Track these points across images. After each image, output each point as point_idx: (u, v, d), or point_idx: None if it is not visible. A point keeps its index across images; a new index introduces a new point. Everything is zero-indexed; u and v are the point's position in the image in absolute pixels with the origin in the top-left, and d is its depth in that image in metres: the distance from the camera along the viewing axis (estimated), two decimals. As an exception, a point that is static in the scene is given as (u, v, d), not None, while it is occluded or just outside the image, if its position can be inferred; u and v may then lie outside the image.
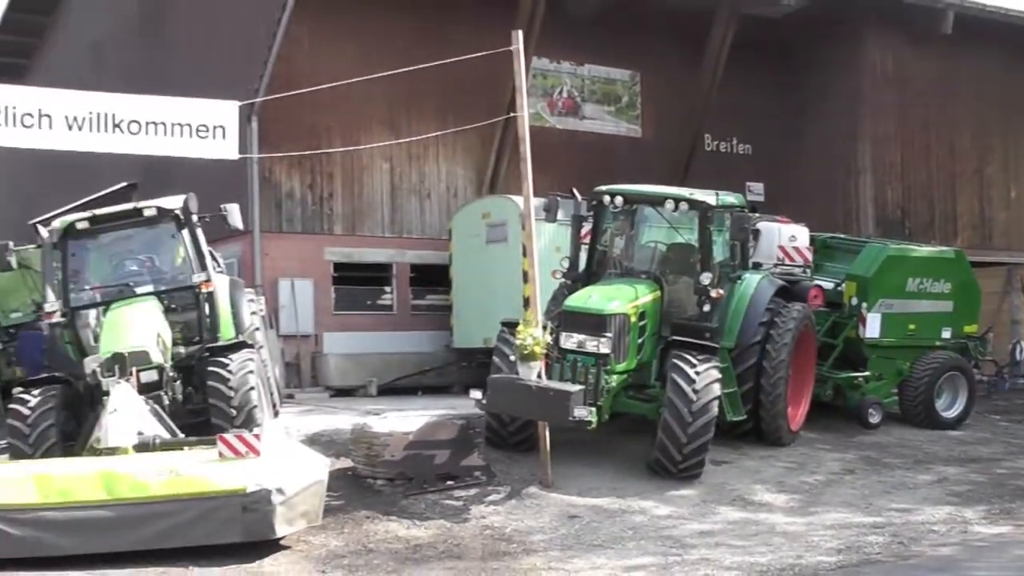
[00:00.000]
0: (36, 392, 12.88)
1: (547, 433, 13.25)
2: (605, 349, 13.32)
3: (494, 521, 12.15)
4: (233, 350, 13.34)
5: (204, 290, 14.00)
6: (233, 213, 14.56)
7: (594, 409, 13.05)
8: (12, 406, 12.89)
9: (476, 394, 13.48)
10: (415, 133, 19.73)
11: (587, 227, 15.18)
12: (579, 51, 25.42)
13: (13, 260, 14.63)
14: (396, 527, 11.84)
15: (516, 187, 16.00)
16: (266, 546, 10.57)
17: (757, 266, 16.36)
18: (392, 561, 10.65)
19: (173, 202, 14.25)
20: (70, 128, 12.91)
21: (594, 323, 13.45)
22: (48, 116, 12.74)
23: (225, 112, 13.66)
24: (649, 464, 13.73)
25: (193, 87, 16.63)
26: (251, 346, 13.82)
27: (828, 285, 18.24)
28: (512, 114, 14.57)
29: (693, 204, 14.70)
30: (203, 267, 14.13)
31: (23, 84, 20.83)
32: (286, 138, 19.16)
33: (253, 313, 15.18)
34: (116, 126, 12.96)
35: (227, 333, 14.17)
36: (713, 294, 14.28)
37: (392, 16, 21.68)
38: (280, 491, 10.38)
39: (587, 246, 15.23)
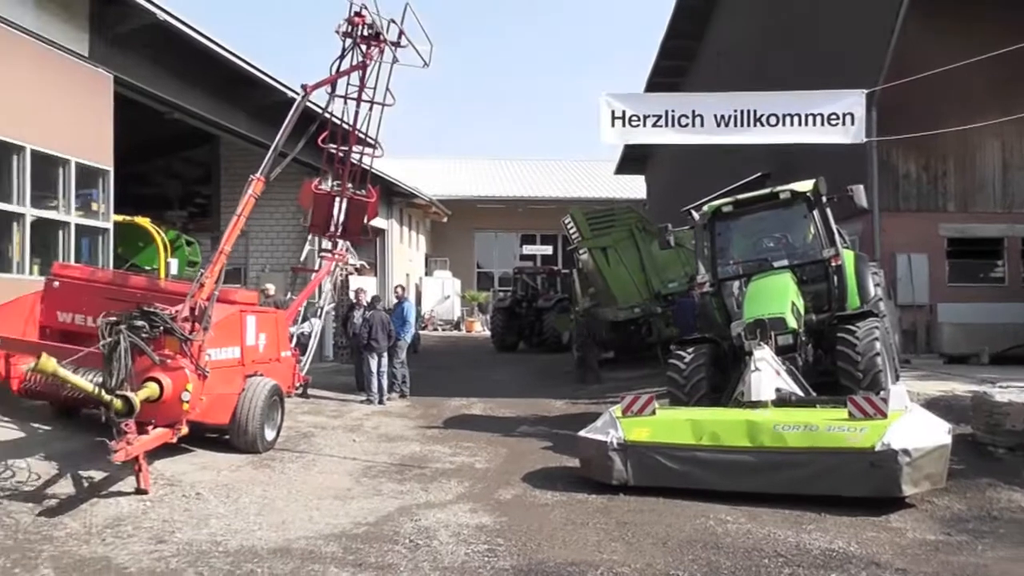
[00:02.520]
0: (690, 350, 13.09)
1: None
2: None
3: None
4: (860, 318, 12.61)
5: (833, 264, 13.38)
6: (859, 194, 13.65)
7: None
8: (671, 360, 13.20)
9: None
10: (1024, 108, 17.52)
11: None
12: None
13: (671, 239, 14.91)
14: (1020, 498, 10.33)
15: None
16: (890, 503, 9.75)
17: None
18: (1020, 533, 9.21)
19: (804, 185, 13.72)
20: (718, 125, 12.94)
21: None
22: (700, 116, 12.86)
23: (853, 101, 13.00)
24: None
25: (811, 83, 16.06)
26: (876, 315, 12.96)
27: None
28: None
29: None
30: (832, 243, 13.48)
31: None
32: (901, 123, 17.91)
33: (876, 285, 14.24)
34: (757, 120, 12.83)
35: (853, 302, 13.40)
36: None
37: (996, 4, 19.47)
38: (906, 452, 9.56)
39: None
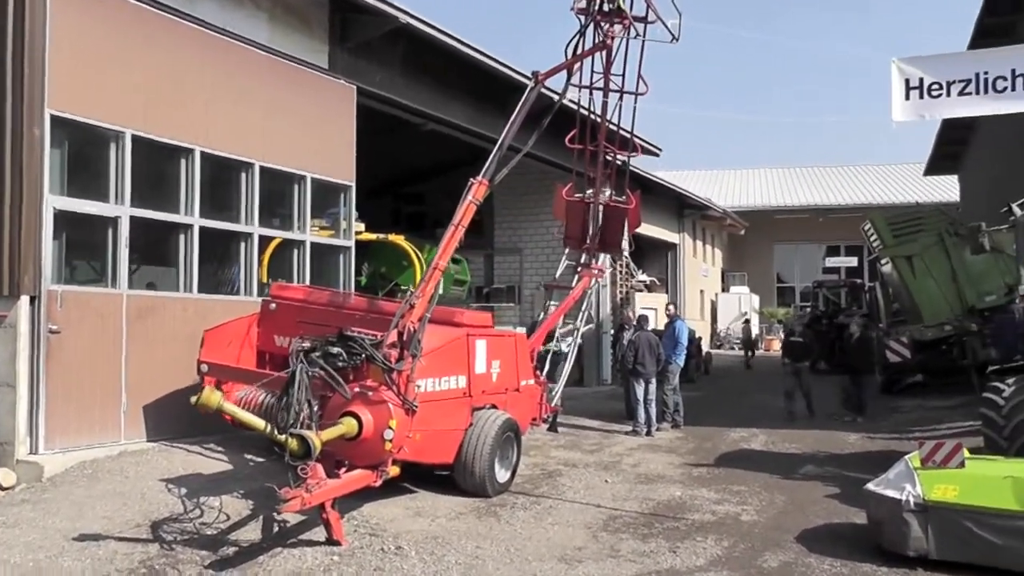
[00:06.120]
0: (1010, 381, 10.51)
1: None
2: None
3: None
4: None
5: None
6: None
7: None
8: (986, 395, 10.66)
9: None
10: None
11: None
12: None
13: (986, 242, 12.09)
14: None
15: None
16: None
17: None
18: None
19: None
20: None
21: None
22: (1021, 76, 10.02)
23: None
24: None
25: None
26: None
27: None
28: None
29: None
30: None
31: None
32: None
33: None
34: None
35: None
36: None
37: None
38: None
39: None
